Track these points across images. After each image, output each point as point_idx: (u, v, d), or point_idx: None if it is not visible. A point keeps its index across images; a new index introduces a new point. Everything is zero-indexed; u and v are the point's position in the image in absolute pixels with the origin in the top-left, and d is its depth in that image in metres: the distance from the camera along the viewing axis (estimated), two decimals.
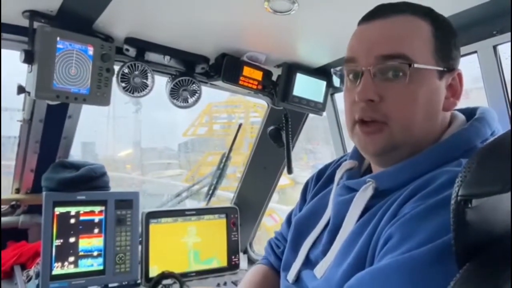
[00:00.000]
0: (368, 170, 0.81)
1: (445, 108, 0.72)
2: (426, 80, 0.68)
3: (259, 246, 2.15)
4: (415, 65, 0.66)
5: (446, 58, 0.70)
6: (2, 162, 1.79)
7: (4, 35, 1.21)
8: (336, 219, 0.77)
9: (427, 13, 0.71)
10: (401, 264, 0.55)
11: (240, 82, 1.47)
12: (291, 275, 0.82)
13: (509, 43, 1.04)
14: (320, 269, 0.73)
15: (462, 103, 0.77)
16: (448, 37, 0.71)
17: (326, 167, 0.96)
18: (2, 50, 1.26)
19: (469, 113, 0.76)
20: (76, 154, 1.69)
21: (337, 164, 0.91)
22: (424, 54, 0.68)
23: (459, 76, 0.72)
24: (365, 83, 0.68)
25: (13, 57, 1.23)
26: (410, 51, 0.67)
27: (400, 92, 0.67)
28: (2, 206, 1.64)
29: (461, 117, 0.76)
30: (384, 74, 0.68)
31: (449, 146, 0.68)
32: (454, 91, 0.72)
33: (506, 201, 0.44)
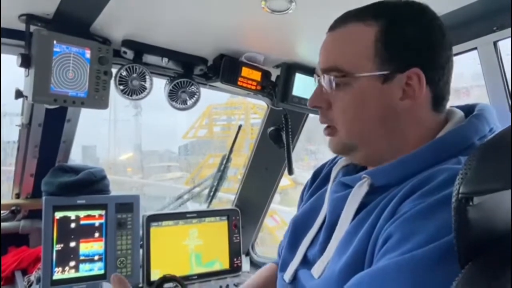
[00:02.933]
0: (364, 167, 0.80)
1: (403, 110, 0.70)
2: (365, 86, 0.69)
3: (262, 248, 2.14)
4: (351, 75, 0.69)
5: (394, 60, 0.68)
6: (2, 168, 1.79)
7: (1, 39, 1.20)
8: (331, 216, 0.76)
9: (377, 15, 0.70)
10: (401, 265, 0.54)
11: (239, 83, 1.46)
12: (288, 274, 0.81)
13: (509, 39, 1.04)
14: (317, 269, 0.72)
15: (463, 101, 0.76)
16: (401, 36, 0.68)
17: (322, 166, 0.97)
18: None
19: (468, 109, 0.75)
20: (76, 158, 1.68)
21: (333, 162, 0.91)
22: (361, 61, 0.69)
23: (417, 75, 0.68)
24: (315, 92, 0.75)
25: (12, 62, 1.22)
26: (342, 61, 0.70)
27: (341, 99, 0.72)
28: (2, 212, 1.64)
29: (459, 113, 0.75)
30: (328, 85, 0.72)
31: (446, 142, 0.67)
32: (413, 91, 0.69)
33: (508, 198, 0.43)
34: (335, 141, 0.76)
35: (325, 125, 0.77)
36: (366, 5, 0.73)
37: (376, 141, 0.72)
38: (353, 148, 0.74)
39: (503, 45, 1.07)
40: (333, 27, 0.75)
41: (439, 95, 0.72)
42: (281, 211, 4.81)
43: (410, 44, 0.69)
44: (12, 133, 1.64)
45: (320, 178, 0.93)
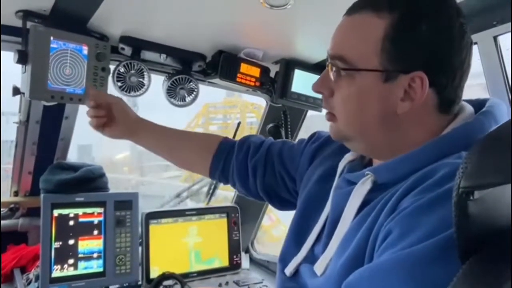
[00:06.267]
0: (370, 163, 0.79)
1: (398, 110, 0.67)
2: (367, 81, 0.67)
3: (260, 246, 2.13)
4: (346, 69, 0.68)
5: (400, 59, 0.65)
6: (2, 166, 1.78)
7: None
8: (334, 213, 0.75)
9: (395, 9, 0.65)
10: (401, 260, 0.53)
11: (238, 79, 1.45)
12: (290, 268, 0.80)
13: (509, 34, 1.03)
14: (320, 266, 0.71)
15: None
16: (413, 33, 0.64)
17: (325, 141, 0.96)
18: None
19: (479, 104, 0.73)
20: (72, 157, 1.67)
21: (337, 149, 0.90)
22: (367, 55, 0.66)
23: (421, 79, 0.65)
24: (321, 76, 0.74)
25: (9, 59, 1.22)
26: (349, 52, 0.68)
27: (342, 89, 0.70)
28: (1, 209, 1.64)
29: (469, 109, 0.72)
30: (333, 72, 0.71)
31: (450, 139, 0.66)
32: (414, 94, 0.66)
33: (509, 192, 0.42)
34: (335, 128, 0.75)
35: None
36: None
37: (374, 136, 0.71)
38: (351, 138, 0.74)
39: (503, 40, 1.06)
40: (349, 12, 0.71)
41: (447, 99, 0.68)
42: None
43: (421, 44, 0.64)
44: (7, 132, 1.63)
45: (326, 165, 0.89)
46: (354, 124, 0.71)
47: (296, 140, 1.09)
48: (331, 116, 0.75)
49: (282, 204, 1.08)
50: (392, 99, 0.67)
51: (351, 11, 0.71)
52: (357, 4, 0.70)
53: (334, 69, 0.70)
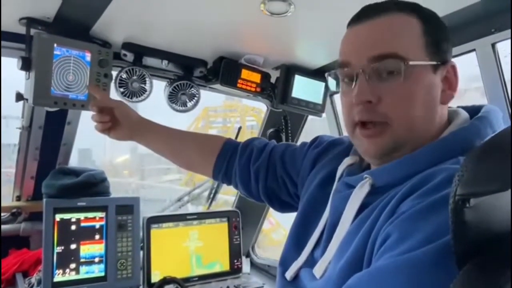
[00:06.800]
0: (368, 166, 0.80)
1: (443, 101, 0.71)
2: (421, 76, 0.68)
3: (261, 250, 2.14)
4: (410, 63, 0.66)
5: (438, 51, 0.70)
6: (3, 170, 1.79)
7: (1, 42, 1.21)
8: (333, 216, 0.76)
9: (414, 9, 0.70)
10: (400, 265, 0.54)
11: (239, 85, 1.47)
12: (290, 272, 0.81)
13: (509, 41, 1.04)
14: (319, 269, 0.72)
15: (455, 103, 0.76)
16: (438, 31, 0.71)
17: (338, 143, 0.96)
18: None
19: (474, 111, 0.75)
20: (72, 161, 1.68)
21: (338, 152, 0.91)
22: (416, 50, 0.68)
23: (453, 68, 0.72)
24: (360, 85, 0.68)
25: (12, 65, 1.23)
26: (401, 49, 0.67)
27: (397, 91, 0.67)
28: (3, 214, 1.64)
29: (464, 114, 0.74)
30: (378, 75, 0.68)
31: (447, 144, 0.67)
32: (450, 83, 0.72)
33: (505, 199, 0.43)
34: (384, 140, 0.69)
35: (362, 124, 0.70)
36: (388, 1, 0.71)
37: (420, 136, 0.69)
38: (400, 147, 0.69)
39: (501, 47, 1.07)
40: (369, 16, 0.69)
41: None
42: (276, 212, 4.78)
43: (444, 38, 0.71)
44: (7, 135, 1.64)
45: (327, 169, 0.89)
46: (412, 123, 0.68)
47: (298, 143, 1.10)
48: (380, 128, 0.69)
49: (282, 207, 1.09)
50: (438, 91, 0.70)
51: (373, 15, 0.69)
52: (375, 8, 0.70)
53: (385, 68, 0.67)
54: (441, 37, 0.71)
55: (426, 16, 0.71)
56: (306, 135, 1.89)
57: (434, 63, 0.69)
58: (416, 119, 0.68)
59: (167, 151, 1.21)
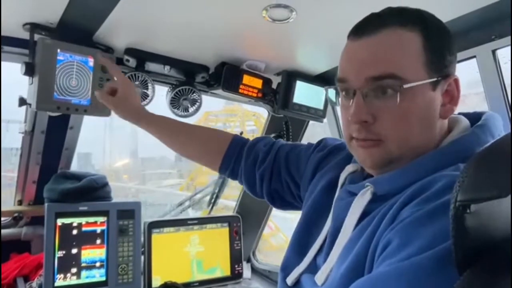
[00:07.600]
0: (370, 174, 0.81)
1: (442, 116, 0.71)
2: (419, 94, 0.67)
3: (261, 255, 2.13)
4: (405, 85, 0.65)
5: (440, 66, 0.68)
6: (4, 174, 1.79)
7: (5, 47, 1.22)
8: (335, 223, 0.76)
9: (417, 21, 0.68)
10: (401, 271, 0.54)
11: (240, 91, 1.47)
12: (292, 277, 0.81)
13: (509, 47, 1.04)
14: (320, 276, 0.72)
15: (456, 108, 0.76)
16: (441, 44, 0.69)
17: (332, 149, 0.96)
18: (3, 62, 1.27)
19: (474, 118, 0.75)
20: (72, 165, 1.69)
21: (340, 158, 0.91)
22: (415, 69, 0.67)
23: (455, 81, 0.71)
24: (357, 104, 0.68)
25: (15, 70, 1.24)
26: (399, 69, 0.66)
27: (392, 111, 0.67)
28: (5, 218, 1.65)
29: (465, 122, 0.74)
30: (375, 95, 0.68)
31: (448, 152, 0.68)
32: (451, 97, 0.70)
33: (505, 205, 0.43)
34: (379, 152, 0.69)
35: (350, 139, 0.72)
36: (390, 12, 0.70)
37: (417, 149, 0.69)
38: (395, 161, 0.70)
39: (501, 54, 1.08)
40: (369, 30, 0.68)
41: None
42: (276, 217, 4.76)
43: (448, 50, 0.69)
44: (7, 139, 1.65)
45: (330, 175, 0.89)
46: (407, 141, 0.68)
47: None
48: (375, 142, 0.69)
49: (284, 205, 1.10)
50: (436, 106, 0.69)
51: (373, 29, 0.68)
52: (376, 21, 0.69)
53: (382, 88, 0.66)
54: (444, 50, 0.69)
55: (429, 28, 0.68)
56: (307, 140, 1.89)
57: (434, 79, 0.68)
58: (412, 138, 0.68)
59: (174, 143, 1.19)
